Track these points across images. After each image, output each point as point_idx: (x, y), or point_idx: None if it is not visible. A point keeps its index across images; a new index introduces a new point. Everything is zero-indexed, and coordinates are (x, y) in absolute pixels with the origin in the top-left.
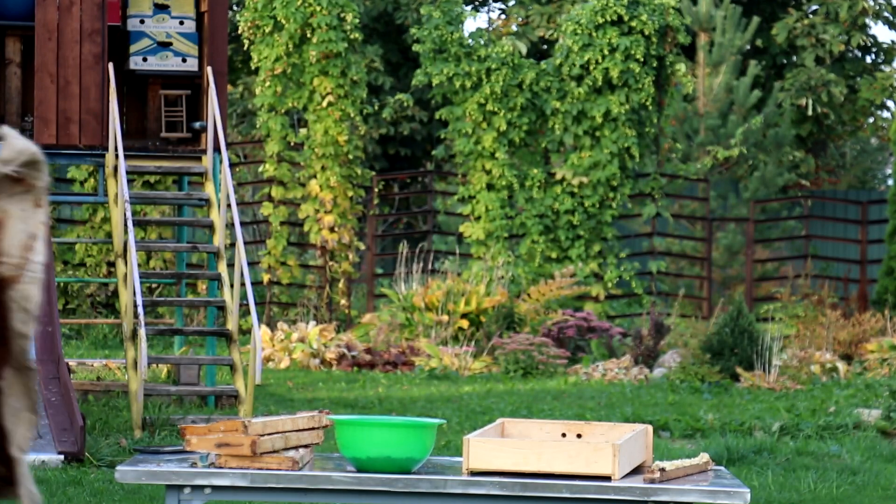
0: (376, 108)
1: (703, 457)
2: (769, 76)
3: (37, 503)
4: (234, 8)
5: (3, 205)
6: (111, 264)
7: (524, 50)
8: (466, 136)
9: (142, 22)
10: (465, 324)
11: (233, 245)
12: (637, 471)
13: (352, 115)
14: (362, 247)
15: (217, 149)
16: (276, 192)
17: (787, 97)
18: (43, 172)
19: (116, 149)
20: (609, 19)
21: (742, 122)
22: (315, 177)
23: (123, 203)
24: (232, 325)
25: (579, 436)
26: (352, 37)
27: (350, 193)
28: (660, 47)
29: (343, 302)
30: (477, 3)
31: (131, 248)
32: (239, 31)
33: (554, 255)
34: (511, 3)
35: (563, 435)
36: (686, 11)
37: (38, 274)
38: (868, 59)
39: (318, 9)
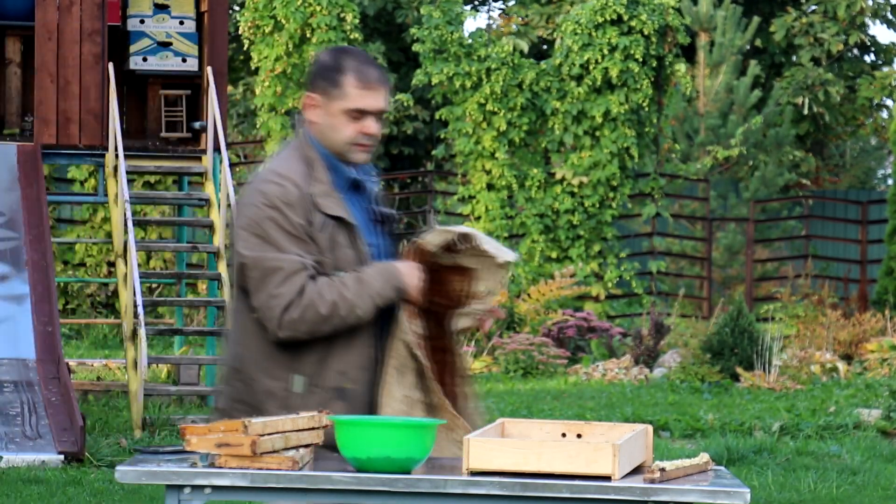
0: None
1: (703, 457)
2: (768, 76)
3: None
4: (234, 8)
5: (474, 263)
6: (111, 264)
7: (525, 48)
8: (466, 136)
9: (142, 22)
10: None
11: (233, 245)
12: (637, 471)
13: None
14: None
15: (217, 149)
16: None
17: (784, 95)
18: (485, 245)
19: (116, 149)
20: (609, 19)
21: (742, 122)
22: None
23: (123, 203)
24: None
25: (579, 436)
26: (352, 37)
27: None
28: (659, 47)
29: None
30: (477, 3)
31: (131, 248)
32: (239, 31)
33: (554, 254)
34: (511, 3)
35: (563, 435)
36: (686, 11)
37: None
38: (868, 59)
39: (318, 9)
